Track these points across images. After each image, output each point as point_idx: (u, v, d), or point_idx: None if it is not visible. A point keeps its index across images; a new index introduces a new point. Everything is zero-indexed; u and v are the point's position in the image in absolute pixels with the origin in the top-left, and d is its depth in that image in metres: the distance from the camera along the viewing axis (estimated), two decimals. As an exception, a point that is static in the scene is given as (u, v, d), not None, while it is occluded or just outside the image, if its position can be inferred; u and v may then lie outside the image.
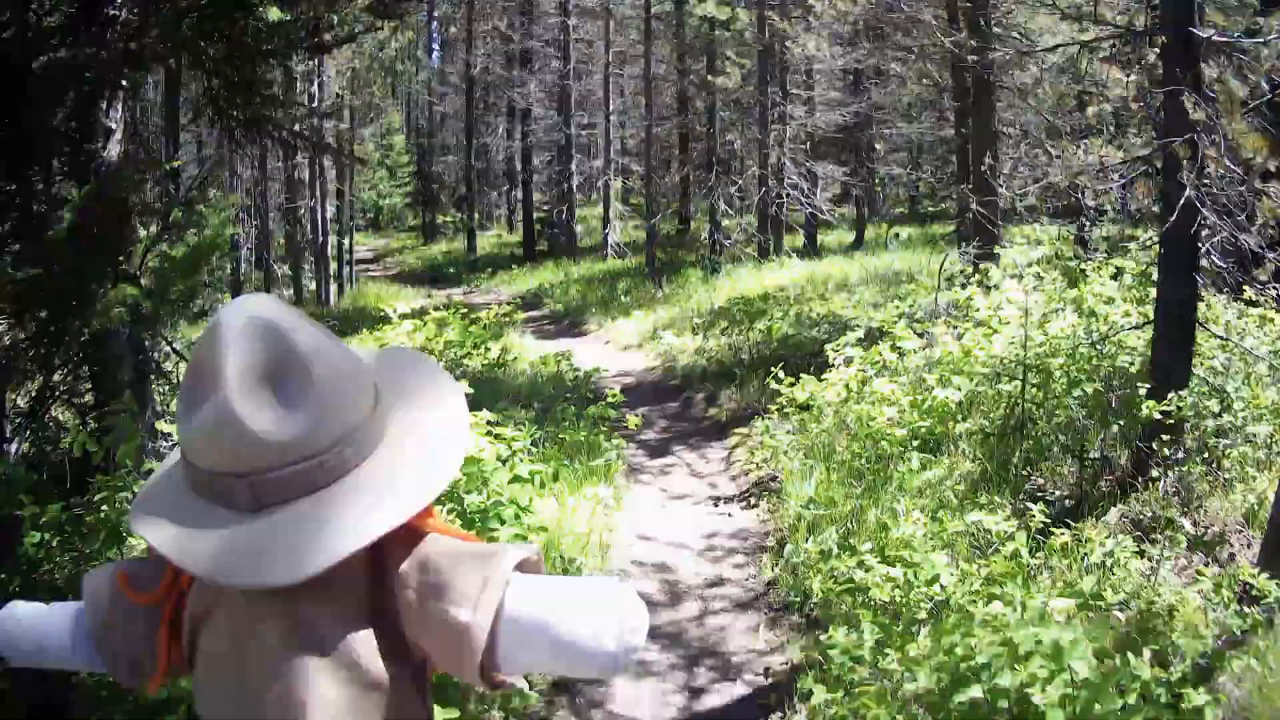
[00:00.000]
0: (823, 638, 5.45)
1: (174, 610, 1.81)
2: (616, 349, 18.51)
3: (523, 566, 1.72)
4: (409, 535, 1.71)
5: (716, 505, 9.38)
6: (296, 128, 9.81)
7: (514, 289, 28.97)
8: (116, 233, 7.40)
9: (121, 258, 7.60)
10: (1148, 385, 7.91)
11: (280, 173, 31.62)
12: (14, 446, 7.51)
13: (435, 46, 55.46)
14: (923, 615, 5.41)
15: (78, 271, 6.99)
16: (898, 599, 5.56)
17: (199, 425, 1.60)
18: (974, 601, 5.09)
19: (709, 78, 24.12)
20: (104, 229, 7.13)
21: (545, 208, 37.48)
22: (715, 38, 24.63)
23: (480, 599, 1.65)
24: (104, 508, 5.43)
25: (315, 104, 26.41)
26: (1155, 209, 9.89)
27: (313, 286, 30.52)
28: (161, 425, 6.27)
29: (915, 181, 37.27)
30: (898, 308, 11.93)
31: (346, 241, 32.95)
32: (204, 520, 1.63)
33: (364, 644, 1.68)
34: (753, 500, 9.31)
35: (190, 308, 8.58)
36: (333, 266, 29.95)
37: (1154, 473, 7.65)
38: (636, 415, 10.33)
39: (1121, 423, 8.17)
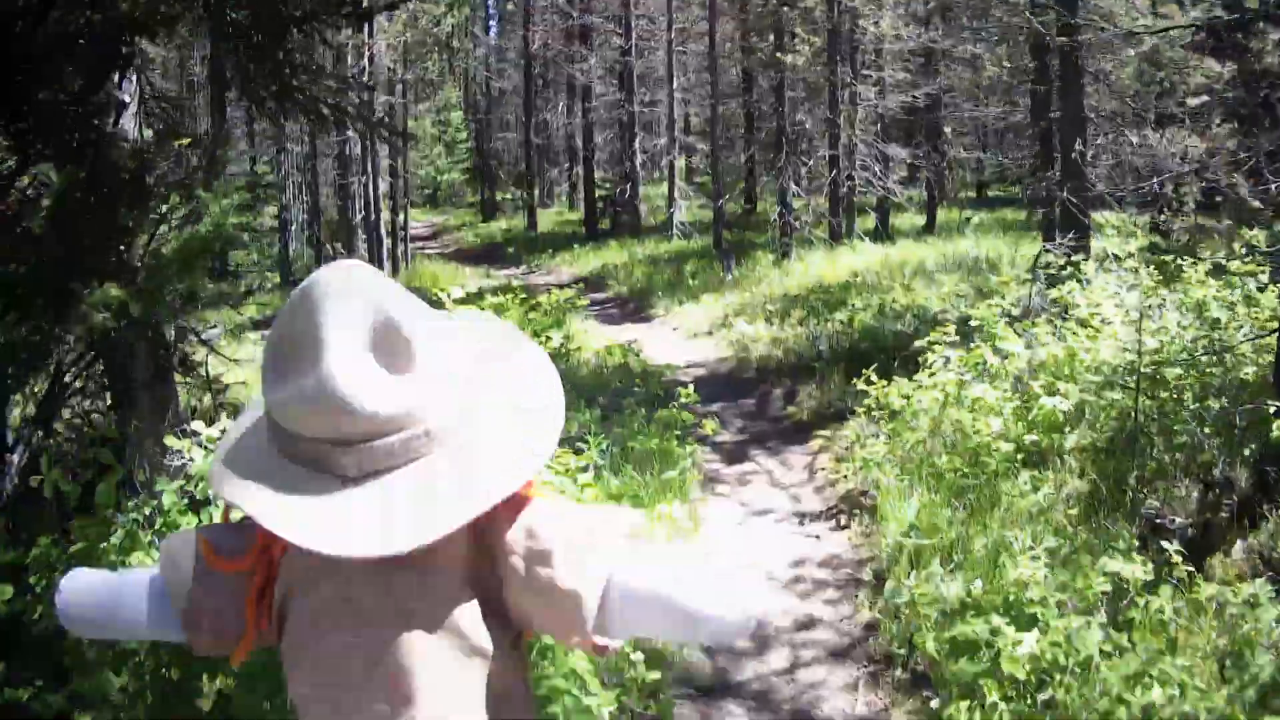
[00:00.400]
0: (934, 703, 4.86)
1: (264, 578, 1.79)
2: (685, 336, 17.86)
3: (629, 536, 1.75)
4: (513, 501, 1.70)
5: (802, 524, 8.63)
6: (335, 101, 9.16)
7: (575, 269, 28.44)
8: (109, 221, 6.61)
9: (124, 247, 6.78)
10: (1272, 401, 7.25)
11: (333, 149, 31.14)
12: (16, 457, 6.70)
13: (493, 23, 55.09)
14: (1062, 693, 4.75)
15: (64, 266, 6.19)
16: (1032, 674, 4.88)
17: (299, 396, 1.58)
18: (1128, 686, 4.43)
19: (777, 55, 23.27)
20: (96, 216, 6.42)
21: (607, 185, 36.77)
22: (783, 14, 23.84)
23: (590, 565, 1.68)
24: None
25: (365, 78, 25.96)
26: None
27: (366, 265, 30.16)
28: (172, 440, 5.41)
29: (984, 165, 36.46)
30: (994, 304, 11.18)
31: (401, 218, 32.39)
32: (304, 487, 1.61)
33: (468, 612, 1.69)
34: (842, 520, 8.55)
35: (192, 309, 7.76)
36: (386, 244, 29.38)
37: (1288, 501, 6.99)
38: (713, 419, 9.67)
39: (1253, 445, 7.48)
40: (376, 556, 1.56)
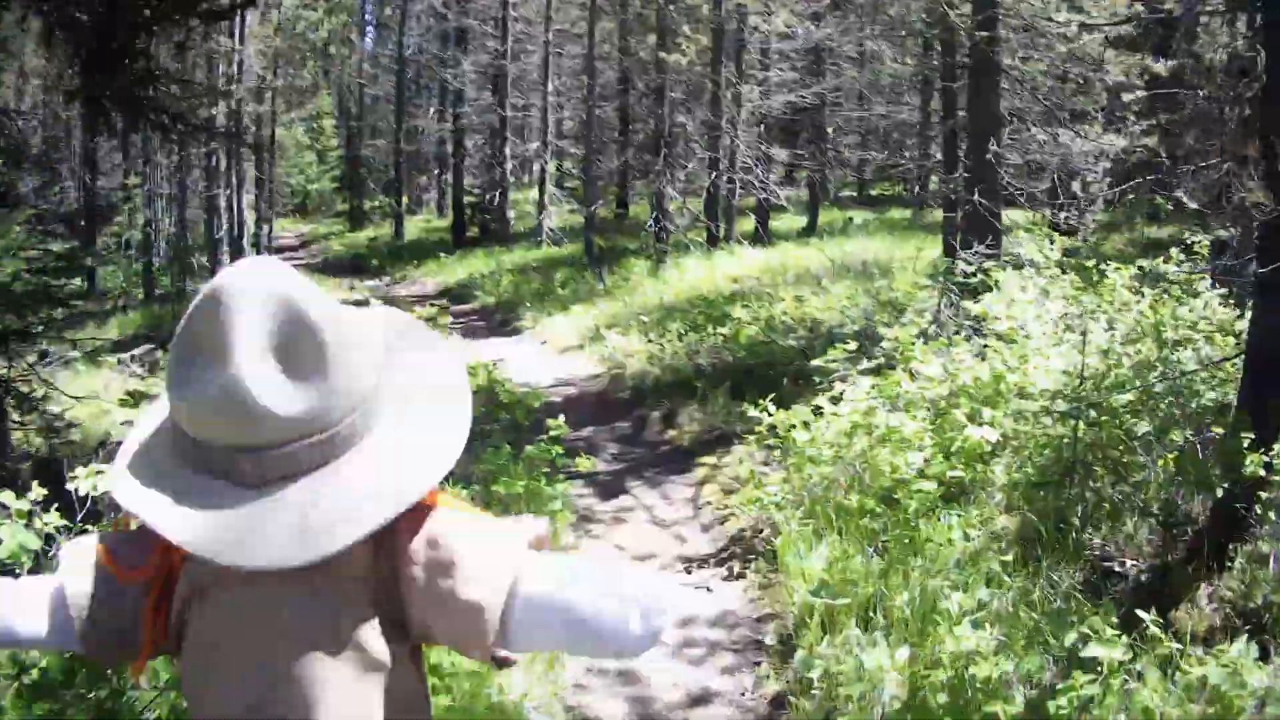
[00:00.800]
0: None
1: (162, 587, 1.71)
2: (554, 351, 16.65)
3: (534, 544, 1.69)
4: (415, 511, 1.63)
5: (690, 572, 7.31)
6: (180, 110, 7.99)
7: (442, 279, 27.44)
8: None
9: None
10: (1224, 431, 6.18)
11: (202, 160, 29.58)
12: None
13: (370, 29, 53.13)
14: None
15: None
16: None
17: (201, 398, 1.52)
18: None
19: (661, 55, 22.11)
20: None
21: (477, 192, 35.37)
22: (668, 12, 22.63)
23: (492, 576, 1.63)
24: None
25: (233, 86, 24.48)
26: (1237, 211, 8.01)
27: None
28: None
29: (866, 165, 35.74)
30: (907, 322, 9.97)
31: (266, 230, 30.78)
32: (203, 495, 1.56)
33: (368, 625, 1.63)
34: (736, 567, 7.26)
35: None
36: (250, 256, 27.76)
37: (1262, 545, 5.85)
38: (588, 457, 8.15)
39: (1218, 478, 6.28)
40: (279, 568, 1.51)
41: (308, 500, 1.55)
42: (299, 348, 1.54)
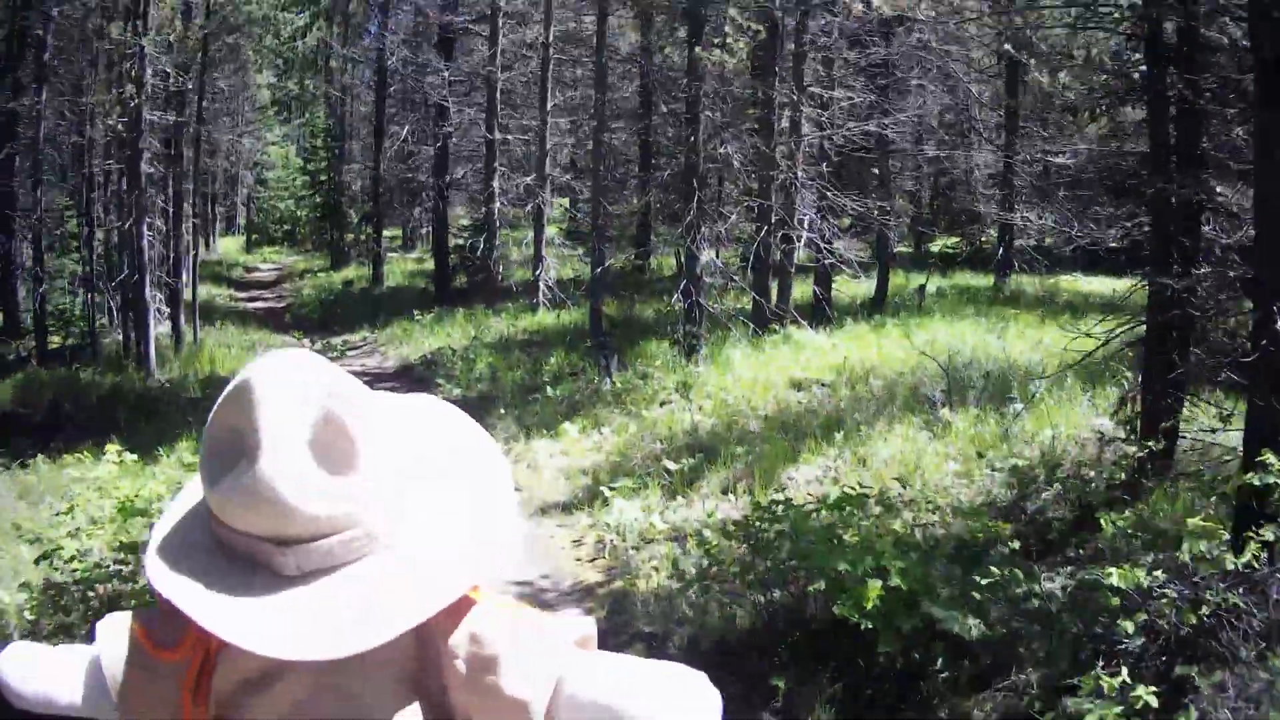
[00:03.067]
0: None
1: (199, 669, 1.61)
2: (534, 510, 10.82)
3: (580, 642, 1.61)
4: (457, 604, 1.55)
5: None
6: None
7: (407, 350, 21.82)
8: None
9: None
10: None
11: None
12: None
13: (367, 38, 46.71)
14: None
15: None
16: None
17: (237, 493, 1.45)
18: None
19: (696, 53, 15.60)
20: None
21: (467, 232, 29.34)
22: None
23: (537, 674, 1.56)
24: None
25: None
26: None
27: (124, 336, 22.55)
28: None
29: (927, 215, 29.96)
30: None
31: (186, 274, 24.80)
32: (238, 584, 1.48)
33: (409, 716, 1.56)
34: None
35: None
36: (158, 306, 21.91)
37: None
38: None
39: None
40: (314, 660, 1.43)
41: (348, 593, 1.46)
42: (333, 443, 1.46)
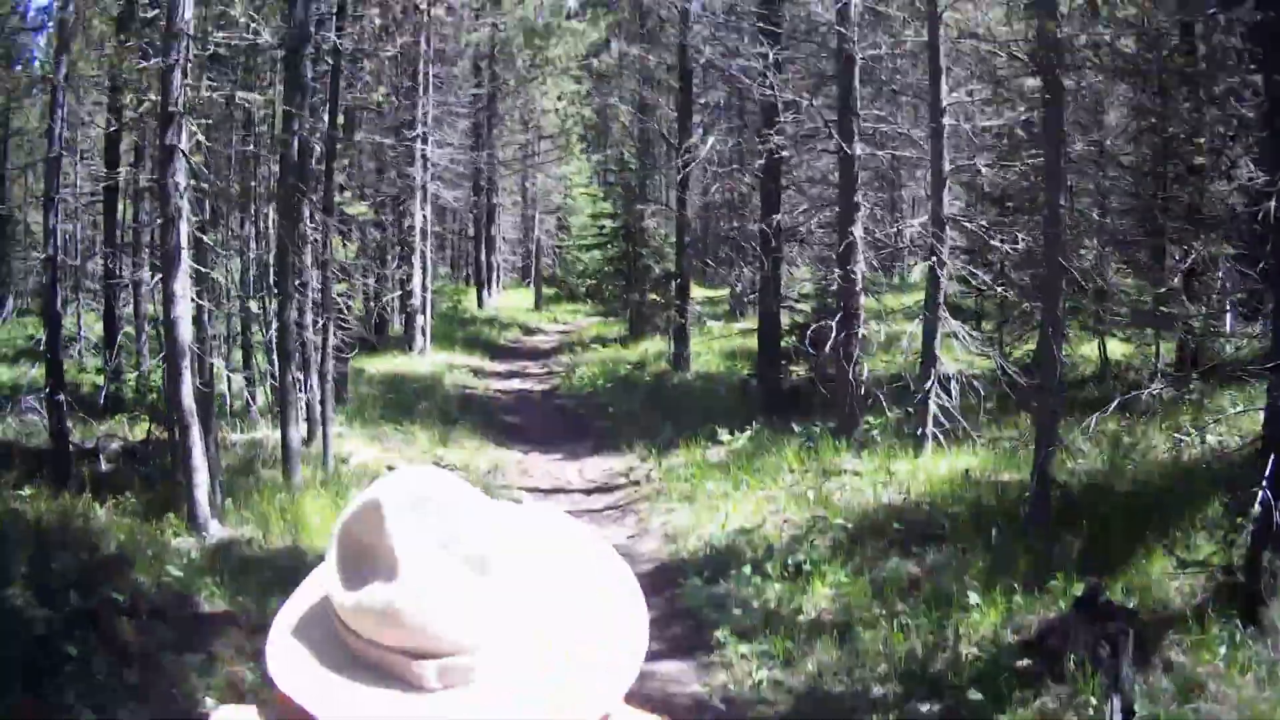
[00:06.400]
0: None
1: None
2: None
3: None
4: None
5: None
6: None
7: (687, 517, 12.78)
8: None
9: None
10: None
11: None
12: None
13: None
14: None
15: None
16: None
17: (372, 608, 1.40)
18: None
19: None
20: None
21: (809, 304, 19.71)
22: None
23: None
24: None
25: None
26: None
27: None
28: None
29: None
30: None
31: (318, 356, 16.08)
32: (374, 695, 1.42)
33: None
34: None
35: None
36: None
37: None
38: None
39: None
40: None
41: (488, 705, 1.41)
42: (468, 561, 1.42)
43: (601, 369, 24.94)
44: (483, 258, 39.95)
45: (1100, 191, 15.76)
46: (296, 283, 13.10)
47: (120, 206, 19.04)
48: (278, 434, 15.09)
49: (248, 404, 15.75)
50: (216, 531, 11.64)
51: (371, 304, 27.49)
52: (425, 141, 27.77)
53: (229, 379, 15.52)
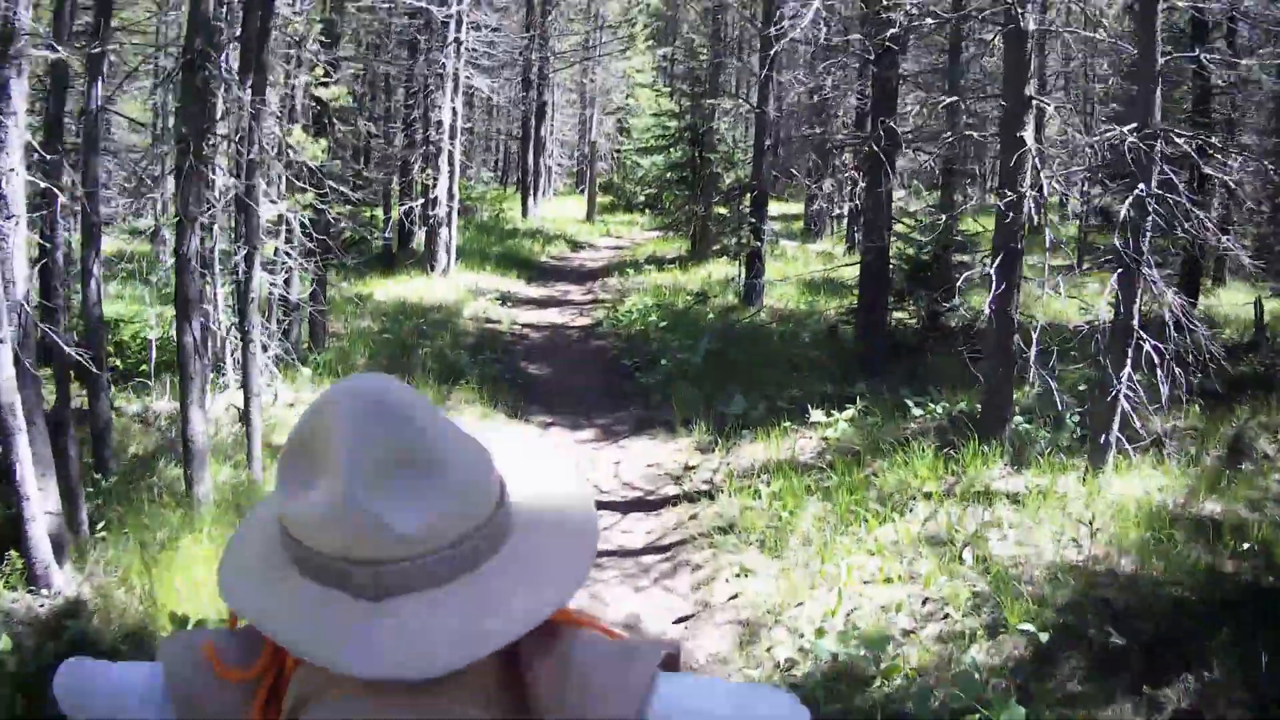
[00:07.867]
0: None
1: (271, 688, 1.58)
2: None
3: (666, 662, 1.56)
4: (542, 627, 1.51)
5: None
6: None
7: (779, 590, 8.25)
8: None
9: None
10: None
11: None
12: None
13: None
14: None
15: None
16: None
17: (312, 510, 1.41)
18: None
19: None
20: None
21: (921, 222, 15.31)
22: None
23: (625, 695, 1.50)
24: None
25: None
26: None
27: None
28: None
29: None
30: None
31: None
32: (317, 604, 1.43)
33: None
34: None
35: None
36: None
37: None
38: None
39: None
40: (396, 679, 1.39)
41: (429, 615, 1.39)
42: (412, 465, 1.40)
43: (656, 299, 20.59)
44: (530, 161, 35.50)
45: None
46: (204, 193, 8.94)
47: None
48: (227, 398, 11.27)
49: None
50: (64, 584, 7.70)
51: (390, 215, 23.55)
52: (459, 25, 23.45)
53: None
